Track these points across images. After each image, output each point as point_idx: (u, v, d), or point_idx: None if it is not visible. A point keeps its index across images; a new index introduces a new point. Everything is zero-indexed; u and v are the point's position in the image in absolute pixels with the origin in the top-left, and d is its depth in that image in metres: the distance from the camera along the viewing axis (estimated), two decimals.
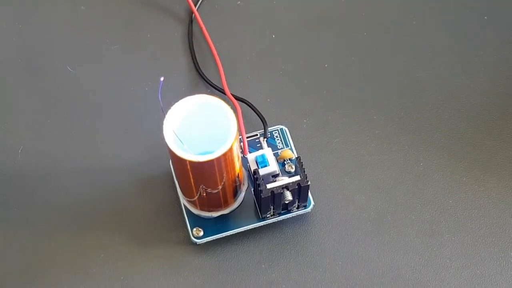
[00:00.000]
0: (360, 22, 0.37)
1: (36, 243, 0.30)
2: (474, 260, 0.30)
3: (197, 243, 0.28)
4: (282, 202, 0.27)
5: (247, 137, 0.30)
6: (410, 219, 0.31)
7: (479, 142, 0.32)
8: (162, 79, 0.25)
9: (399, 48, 0.36)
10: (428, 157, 0.32)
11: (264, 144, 0.30)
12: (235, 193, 0.28)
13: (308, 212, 0.29)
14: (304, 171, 0.27)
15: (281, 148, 0.29)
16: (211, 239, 0.28)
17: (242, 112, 0.29)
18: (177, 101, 0.25)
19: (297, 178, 0.26)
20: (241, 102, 0.31)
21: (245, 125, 0.30)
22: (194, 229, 0.28)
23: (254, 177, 0.27)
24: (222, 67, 0.32)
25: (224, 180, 0.26)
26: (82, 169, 0.32)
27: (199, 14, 0.34)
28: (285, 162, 0.28)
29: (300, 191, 0.27)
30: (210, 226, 0.28)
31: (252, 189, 0.29)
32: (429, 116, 0.34)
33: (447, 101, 0.34)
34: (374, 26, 0.37)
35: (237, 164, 0.26)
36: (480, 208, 0.30)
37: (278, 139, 0.30)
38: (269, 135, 0.30)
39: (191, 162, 0.24)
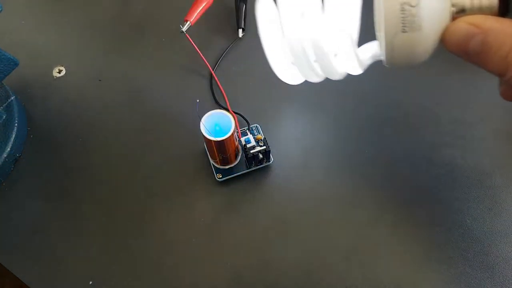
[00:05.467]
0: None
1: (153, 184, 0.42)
2: None
3: (219, 181, 0.41)
4: (257, 159, 0.41)
5: (241, 130, 0.43)
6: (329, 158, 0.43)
7: None
8: (198, 101, 0.42)
9: None
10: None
11: (248, 133, 0.43)
12: (236, 156, 0.42)
13: (270, 163, 0.42)
14: (267, 145, 0.41)
15: (257, 134, 0.42)
16: (225, 179, 0.42)
17: (237, 118, 0.43)
18: (206, 113, 0.38)
19: (264, 147, 0.41)
20: (236, 114, 0.44)
21: (239, 124, 0.42)
22: (217, 174, 0.41)
23: (244, 148, 0.40)
24: (227, 97, 0.46)
25: (229, 150, 0.39)
26: (161, 148, 0.44)
27: (215, 73, 0.49)
28: (259, 141, 0.41)
29: (265, 153, 0.41)
30: (224, 172, 0.42)
31: (243, 154, 0.41)
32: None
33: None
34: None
35: (236, 142, 0.40)
36: None
37: (255, 130, 0.43)
38: (250, 129, 0.43)
39: (214, 141, 0.38)
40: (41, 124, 0.47)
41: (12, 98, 0.46)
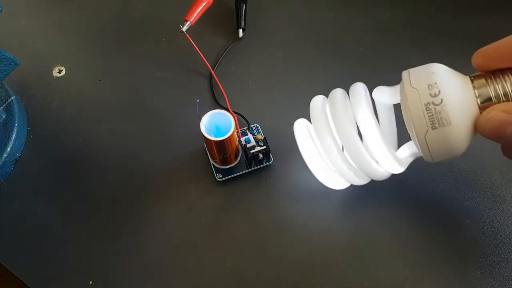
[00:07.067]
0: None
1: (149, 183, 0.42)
2: None
3: (219, 181, 0.42)
4: (257, 159, 0.41)
5: (241, 129, 0.43)
6: None
7: None
8: (198, 101, 0.42)
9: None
10: None
11: (248, 133, 0.43)
12: (236, 156, 0.42)
13: (270, 163, 0.42)
14: (267, 145, 0.41)
15: (257, 134, 0.43)
16: (225, 179, 0.42)
17: (237, 118, 0.44)
18: (206, 113, 0.38)
19: (264, 147, 0.41)
20: (237, 114, 0.45)
21: (239, 124, 0.43)
22: (217, 174, 0.42)
23: (244, 148, 0.41)
24: (227, 97, 0.46)
25: (229, 150, 0.40)
26: (161, 148, 0.44)
27: (215, 73, 0.49)
28: (259, 141, 0.41)
29: (266, 153, 0.41)
30: (224, 172, 0.42)
31: (243, 154, 0.41)
32: None
33: None
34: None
35: (236, 142, 0.40)
36: None
37: (255, 130, 0.44)
38: (250, 129, 0.44)
39: (214, 141, 0.38)
40: (41, 124, 0.47)
41: (12, 98, 0.46)
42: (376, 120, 0.34)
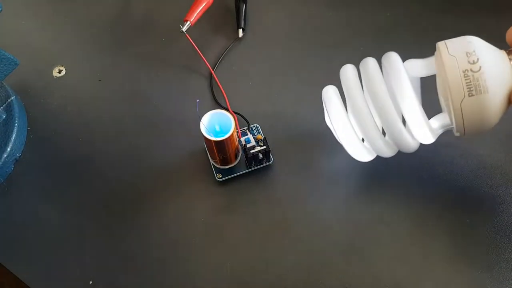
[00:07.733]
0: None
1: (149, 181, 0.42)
2: None
3: (219, 181, 0.42)
4: (257, 159, 0.41)
5: (241, 129, 0.43)
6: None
7: None
8: (198, 101, 0.41)
9: None
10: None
11: (248, 133, 0.43)
12: (236, 156, 0.42)
13: (270, 163, 0.42)
14: (267, 145, 0.41)
15: (257, 134, 0.43)
16: (225, 179, 0.42)
17: (237, 118, 0.44)
18: (206, 113, 0.38)
19: (264, 147, 0.41)
20: (237, 114, 0.45)
21: (239, 124, 0.43)
22: (217, 174, 0.42)
23: (244, 148, 0.41)
24: (227, 97, 0.46)
25: (229, 150, 0.40)
26: (161, 148, 0.44)
27: (215, 73, 0.48)
28: (259, 141, 0.41)
29: (265, 153, 0.41)
30: (224, 172, 0.42)
31: (243, 154, 0.41)
32: None
33: None
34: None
35: (236, 142, 0.40)
36: None
37: (255, 130, 0.44)
38: (250, 129, 0.44)
39: (214, 141, 0.38)
40: (41, 124, 0.47)
41: (12, 98, 0.46)
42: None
